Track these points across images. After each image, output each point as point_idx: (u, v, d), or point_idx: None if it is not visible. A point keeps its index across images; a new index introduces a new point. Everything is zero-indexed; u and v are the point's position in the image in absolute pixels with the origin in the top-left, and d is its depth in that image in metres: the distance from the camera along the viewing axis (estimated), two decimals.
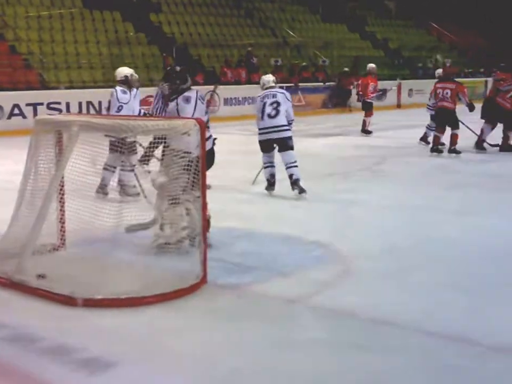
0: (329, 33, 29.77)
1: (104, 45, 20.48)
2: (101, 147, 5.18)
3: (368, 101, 15.22)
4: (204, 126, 4.91)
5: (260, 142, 8.17)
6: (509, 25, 37.99)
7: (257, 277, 5.07)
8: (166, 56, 20.71)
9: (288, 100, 8.31)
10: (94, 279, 4.56)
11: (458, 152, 11.32)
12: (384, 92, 19.19)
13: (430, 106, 12.70)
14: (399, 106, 24.20)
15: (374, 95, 15.43)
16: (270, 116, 8.03)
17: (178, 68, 5.97)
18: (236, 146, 11.96)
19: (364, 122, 15.39)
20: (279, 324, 4.20)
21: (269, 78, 8.60)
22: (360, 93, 15.43)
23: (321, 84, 24.07)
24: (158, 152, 5.46)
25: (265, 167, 8.23)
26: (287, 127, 8.07)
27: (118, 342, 3.88)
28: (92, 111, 16.13)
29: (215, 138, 5.93)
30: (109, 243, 4.89)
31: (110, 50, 20.36)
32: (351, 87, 21.62)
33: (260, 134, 8.16)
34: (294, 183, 7.96)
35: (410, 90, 25.07)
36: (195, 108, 5.67)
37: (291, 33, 27.46)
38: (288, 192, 7.96)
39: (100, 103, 15.92)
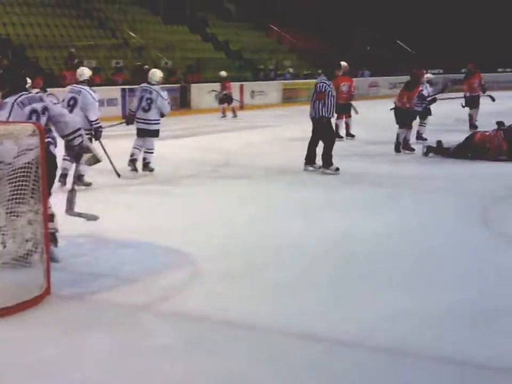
0: (171, 34, 29.71)
1: None
2: None
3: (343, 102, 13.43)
4: (42, 131, 4.71)
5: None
6: (346, 28, 39.66)
7: (104, 285, 4.95)
8: (2, 58, 19.82)
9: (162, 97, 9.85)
10: None
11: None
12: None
13: (419, 103, 12.91)
14: (241, 107, 24.55)
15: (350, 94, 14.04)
16: (144, 110, 9.80)
17: (9, 71, 5.72)
18: None
19: (347, 125, 14.25)
20: (126, 332, 4.13)
21: (159, 74, 10.29)
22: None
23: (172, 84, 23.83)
24: None
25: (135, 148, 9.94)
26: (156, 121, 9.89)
27: None
28: None
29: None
30: None
31: None
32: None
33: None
34: (145, 165, 9.86)
35: (253, 92, 25.53)
36: (10, 113, 5.32)
37: (132, 34, 27.15)
38: (136, 201, 7.92)
39: None
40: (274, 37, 35.94)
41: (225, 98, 19.83)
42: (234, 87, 24.39)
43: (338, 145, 10.22)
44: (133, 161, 9.87)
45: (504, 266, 5.27)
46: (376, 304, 4.53)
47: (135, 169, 9.84)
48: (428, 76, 14.38)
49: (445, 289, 4.79)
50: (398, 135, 11.76)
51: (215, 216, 7.16)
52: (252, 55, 31.88)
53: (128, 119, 10.29)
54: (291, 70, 30.07)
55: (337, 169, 9.72)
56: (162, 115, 9.97)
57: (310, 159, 10.07)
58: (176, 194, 8.56)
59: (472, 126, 15.17)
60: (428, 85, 13.83)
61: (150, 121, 9.86)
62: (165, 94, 9.97)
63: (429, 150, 11.38)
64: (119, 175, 9.33)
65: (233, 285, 4.97)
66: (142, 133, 9.94)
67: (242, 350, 3.84)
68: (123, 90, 19.97)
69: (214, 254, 5.69)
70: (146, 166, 9.92)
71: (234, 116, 20.22)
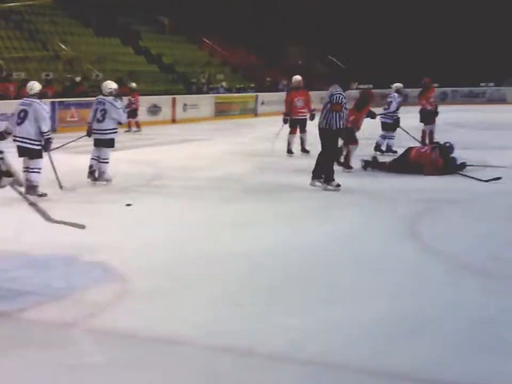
0: (103, 47, 29.44)
1: None
2: None
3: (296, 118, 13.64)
4: None
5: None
6: (279, 42, 40.03)
7: (31, 302, 4.83)
8: None
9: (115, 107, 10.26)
10: None
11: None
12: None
13: (384, 115, 13.33)
14: (174, 121, 24.50)
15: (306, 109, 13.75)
16: (98, 120, 10.22)
17: None
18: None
19: (302, 140, 13.85)
20: (55, 350, 4.04)
21: (111, 85, 10.55)
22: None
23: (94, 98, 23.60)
24: None
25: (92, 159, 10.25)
26: (110, 131, 10.25)
27: None
28: None
29: None
30: None
31: None
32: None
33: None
34: (100, 175, 10.19)
35: (185, 105, 25.47)
36: None
37: (63, 46, 26.79)
38: (66, 215, 7.75)
39: None
40: (206, 50, 36.01)
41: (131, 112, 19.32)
42: (167, 100, 24.42)
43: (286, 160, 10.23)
44: (92, 172, 10.19)
45: (429, 278, 5.37)
46: (308, 316, 4.56)
47: (95, 180, 10.17)
48: (397, 85, 14.49)
49: (375, 300, 4.86)
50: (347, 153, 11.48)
51: (144, 232, 7.10)
52: (184, 69, 31.85)
53: (88, 131, 10.52)
54: (224, 83, 30.15)
55: (338, 185, 9.42)
56: (119, 123, 10.51)
57: (318, 174, 9.63)
58: (106, 208, 8.45)
59: (423, 142, 14.03)
60: (396, 94, 14.11)
61: (104, 131, 10.23)
62: (118, 103, 10.40)
63: (366, 164, 11.48)
64: (61, 187, 9.36)
65: (162, 301, 4.91)
66: (97, 143, 10.30)
67: (170, 367, 3.81)
68: (53, 103, 19.61)
69: (142, 270, 5.62)
70: (101, 175, 10.22)
71: (138, 130, 19.92)
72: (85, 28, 30.53)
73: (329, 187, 9.45)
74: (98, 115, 10.23)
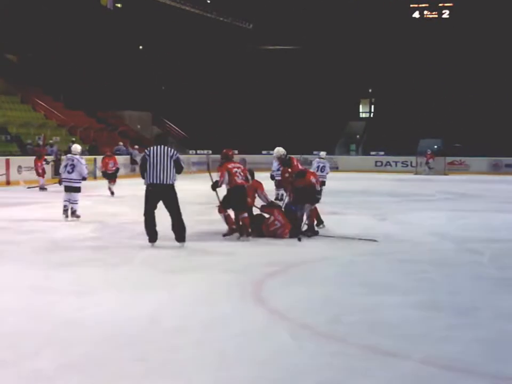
0: None
1: None
2: None
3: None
4: None
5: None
6: (116, 106, 39.96)
7: None
8: None
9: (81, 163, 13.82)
10: None
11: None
12: None
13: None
14: (8, 183, 23.61)
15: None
16: (68, 172, 13.67)
17: None
18: None
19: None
20: None
21: (76, 148, 14.26)
22: (103, 169, 19.51)
23: None
24: None
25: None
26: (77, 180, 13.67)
27: None
28: None
29: None
30: None
31: None
32: None
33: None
34: (73, 213, 13.40)
35: (20, 167, 24.60)
36: None
37: None
38: None
39: None
40: (41, 112, 35.18)
41: None
42: (0, 162, 23.55)
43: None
44: (65, 211, 13.39)
45: (277, 343, 5.42)
46: None
47: (67, 216, 13.32)
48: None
49: (219, 365, 4.82)
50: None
51: None
52: (18, 130, 30.87)
53: (59, 181, 14.47)
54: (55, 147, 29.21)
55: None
56: (84, 178, 13.84)
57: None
58: None
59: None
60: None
61: (73, 180, 13.57)
62: (83, 161, 14.02)
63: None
64: None
65: (1, 374, 4.61)
66: (68, 189, 13.56)
67: None
68: None
69: None
70: (73, 213, 13.40)
71: None
72: None
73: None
74: (68, 168, 13.68)
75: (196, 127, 41.63)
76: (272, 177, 17.52)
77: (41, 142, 28.81)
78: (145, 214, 10.02)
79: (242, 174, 11.08)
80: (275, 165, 16.56)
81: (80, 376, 4.58)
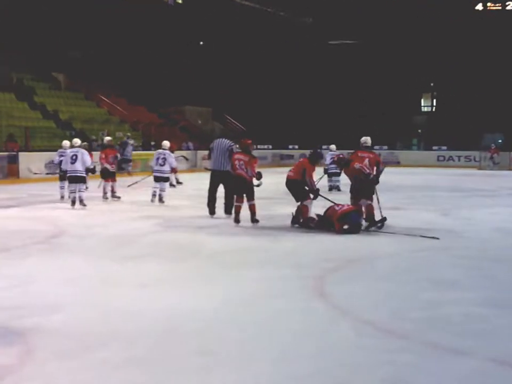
0: None
1: None
2: None
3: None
4: None
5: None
6: (177, 102, 40.36)
7: None
8: None
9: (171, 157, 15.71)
10: None
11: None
12: None
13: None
14: None
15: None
16: (160, 164, 15.49)
17: None
18: None
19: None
20: None
21: (165, 144, 16.07)
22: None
23: None
24: None
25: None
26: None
27: None
28: None
29: None
30: None
31: None
32: None
33: None
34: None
35: None
36: None
37: None
38: None
39: None
40: (105, 107, 35.83)
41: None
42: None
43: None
44: (153, 197, 15.32)
45: (339, 339, 5.42)
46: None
47: (161, 200, 15.27)
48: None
49: (282, 361, 4.84)
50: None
51: (44, 291, 6.86)
52: (82, 125, 31.51)
53: (151, 173, 15.98)
54: (132, 141, 29.94)
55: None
56: (173, 170, 16.66)
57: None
58: (2, 268, 8.10)
59: None
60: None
61: (164, 171, 15.66)
62: (172, 154, 16.10)
63: (294, 221, 11.58)
64: None
65: (67, 364, 4.72)
66: (158, 179, 15.55)
67: None
68: None
69: (47, 332, 5.42)
70: (160, 199, 15.31)
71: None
72: None
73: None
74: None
75: (257, 122, 41.70)
76: (325, 171, 19.17)
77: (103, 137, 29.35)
78: (208, 193, 12.79)
79: (244, 165, 11.89)
80: (328, 159, 19.24)
81: (145, 368, 4.66)
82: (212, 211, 12.71)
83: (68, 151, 15.09)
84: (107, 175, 16.20)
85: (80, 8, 36.47)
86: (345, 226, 10.83)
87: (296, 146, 40.55)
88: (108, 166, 16.21)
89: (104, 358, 4.85)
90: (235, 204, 11.94)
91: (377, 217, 11.42)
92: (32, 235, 10.62)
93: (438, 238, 10.38)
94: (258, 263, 8.58)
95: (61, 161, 15.93)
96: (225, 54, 45.51)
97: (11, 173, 23.59)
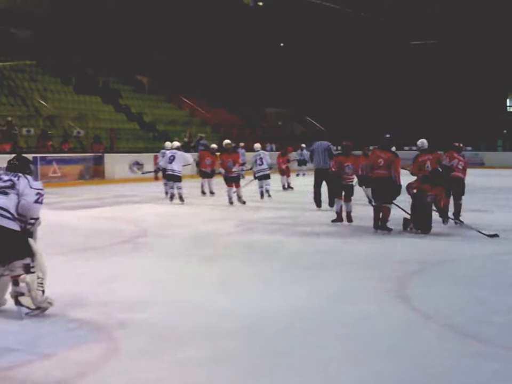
0: (83, 104, 29.63)
1: None
2: None
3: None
4: None
5: None
6: (257, 103, 40.54)
7: (17, 360, 4.73)
8: None
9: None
10: None
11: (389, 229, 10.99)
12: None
13: None
14: (156, 179, 24.48)
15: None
16: (259, 164, 17.20)
17: None
18: None
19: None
20: None
21: (256, 146, 17.74)
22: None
23: (79, 154, 24.21)
24: None
25: None
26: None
27: None
28: None
29: None
30: None
31: None
32: None
33: None
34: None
35: None
36: None
37: (43, 103, 26.90)
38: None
39: None
40: (187, 109, 36.35)
41: None
42: (149, 158, 24.56)
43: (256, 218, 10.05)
44: (261, 195, 17.01)
45: (419, 340, 5.34)
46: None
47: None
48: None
49: (364, 362, 4.80)
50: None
51: (128, 289, 7.01)
52: (165, 127, 32.05)
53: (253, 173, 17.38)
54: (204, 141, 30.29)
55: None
56: (270, 168, 17.20)
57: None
58: (89, 266, 8.35)
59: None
60: None
61: (266, 170, 17.09)
62: (267, 153, 17.95)
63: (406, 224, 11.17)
64: None
65: (151, 361, 4.81)
66: (262, 177, 17.14)
67: None
68: (35, 158, 19.71)
69: (130, 329, 5.54)
70: (266, 192, 17.12)
71: None
72: (65, 85, 30.75)
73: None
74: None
75: (337, 123, 41.47)
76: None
77: (186, 139, 29.75)
78: (314, 188, 14.40)
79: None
80: None
81: (227, 368, 4.70)
82: (319, 204, 14.28)
83: (167, 152, 16.75)
84: (229, 180, 15.69)
85: (164, 13, 37.09)
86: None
87: (377, 147, 39.94)
88: (222, 171, 15.94)
89: (187, 356, 4.92)
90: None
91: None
92: (117, 234, 10.89)
93: (498, 236, 10.27)
94: (335, 264, 8.53)
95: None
96: (305, 56, 45.41)
97: (97, 174, 24.25)
